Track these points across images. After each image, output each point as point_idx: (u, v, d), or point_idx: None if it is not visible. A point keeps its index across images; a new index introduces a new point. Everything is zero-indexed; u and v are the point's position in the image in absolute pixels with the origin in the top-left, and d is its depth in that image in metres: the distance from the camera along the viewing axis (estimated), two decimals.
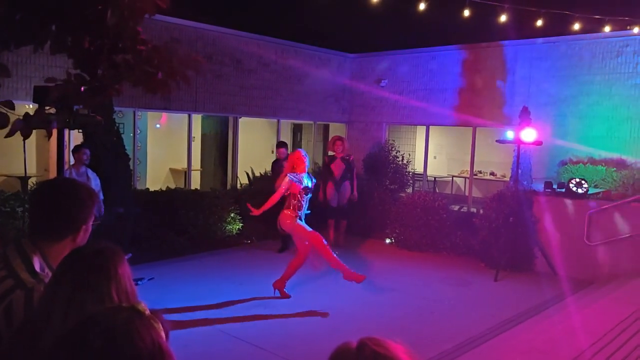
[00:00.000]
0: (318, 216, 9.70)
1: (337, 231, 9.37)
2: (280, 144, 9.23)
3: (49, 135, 2.85)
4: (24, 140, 2.84)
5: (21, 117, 2.53)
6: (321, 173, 9.53)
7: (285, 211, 6.39)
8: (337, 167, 9.26)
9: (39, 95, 2.94)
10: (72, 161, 7.02)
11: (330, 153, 9.63)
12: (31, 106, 7.98)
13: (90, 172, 6.84)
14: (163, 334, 1.06)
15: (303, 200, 6.41)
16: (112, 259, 1.45)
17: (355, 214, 9.74)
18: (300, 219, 6.42)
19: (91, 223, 1.83)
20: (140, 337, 0.98)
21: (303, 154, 6.53)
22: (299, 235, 6.41)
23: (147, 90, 2.83)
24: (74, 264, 1.44)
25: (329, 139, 9.68)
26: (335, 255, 6.26)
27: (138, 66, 2.64)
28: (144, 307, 1.09)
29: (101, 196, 6.88)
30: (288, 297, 6.49)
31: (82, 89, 2.57)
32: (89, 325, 0.99)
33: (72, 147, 7.12)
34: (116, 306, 1.14)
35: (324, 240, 6.27)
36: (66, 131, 3.58)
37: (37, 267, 1.66)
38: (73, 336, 0.99)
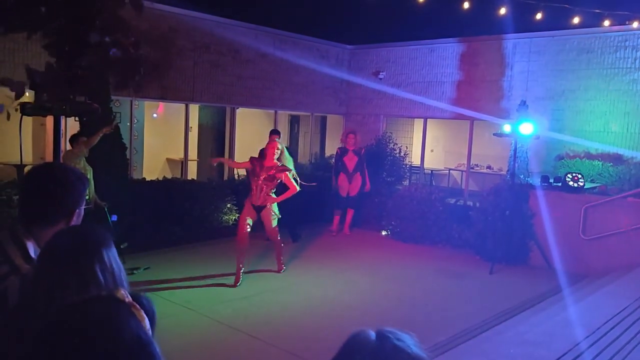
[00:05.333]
0: (326, 206, 10.05)
1: (344, 221, 9.78)
2: (273, 132, 9.20)
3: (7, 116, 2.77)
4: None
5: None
6: (334, 165, 10.08)
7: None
8: (350, 160, 9.68)
9: (34, 81, 2.92)
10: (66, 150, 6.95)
11: (340, 145, 10.08)
12: (27, 94, 7.94)
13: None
14: (145, 322, 1.03)
15: (254, 186, 6.71)
16: (94, 239, 1.43)
17: (364, 204, 10.10)
18: (253, 207, 6.75)
19: (83, 207, 1.82)
20: (118, 330, 0.96)
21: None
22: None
23: (119, 85, 2.82)
24: (55, 246, 1.42)
25: (342, 132, 10.28)
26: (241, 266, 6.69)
27: (122, 61, 2.63)
28: (123, 294, 1.06)
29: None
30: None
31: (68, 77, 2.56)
32: (64, 322, 0.97)
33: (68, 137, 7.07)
34: (95, 296, 1.11)
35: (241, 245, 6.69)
36: (62, 119, 3.55)
37: (31, 253, 1.65)
38: (49, 333, 0.96)
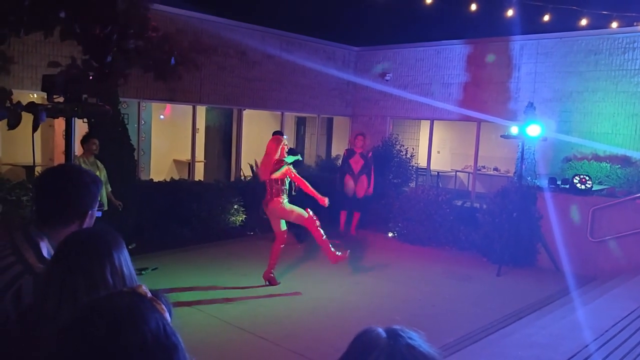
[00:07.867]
0: (333, 207, 10.03)
1: (349, 222, 9.73)
2: (277, 133, 9.20)
3: (35, 127, 2.75)
4: (9, 129, 2.82)
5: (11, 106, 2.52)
6: (340, 165, 10.07)
7: (278, 199, 6.56)
8: (356, 162, 9.67)
9: (47, 84, 2.93)
10: (76, 151, 6.98)
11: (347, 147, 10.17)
12: (36, 95, 7.99)
13: (99, 163, 6.77)
14: (167, 315, 1.06)
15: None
16: (106, 243, 1.43)
17: (370, 207, 10.05)
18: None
19: (96, 208, 1.84)
20: (145, 321, 0.97)
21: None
22: (297, 218, 6.60)
23: (156, 77, 2.83)
24: (66, 248, 1.43)
25: (350, 133, 10.26)
26: (325, 239, 6.56)
27: (149, 52, 2.65)
28: (145, 289, 1.08)
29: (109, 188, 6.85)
30: (278, 283, 6.67)
31: (90, 76, 2.57)
32: (91, 314, 0.98)
33: (78, 138, 7.09)
34: (117, 291, 1.13)
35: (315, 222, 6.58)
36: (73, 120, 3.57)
37: (44, 253, 1.67)
38: (76, 327, 0.97)
